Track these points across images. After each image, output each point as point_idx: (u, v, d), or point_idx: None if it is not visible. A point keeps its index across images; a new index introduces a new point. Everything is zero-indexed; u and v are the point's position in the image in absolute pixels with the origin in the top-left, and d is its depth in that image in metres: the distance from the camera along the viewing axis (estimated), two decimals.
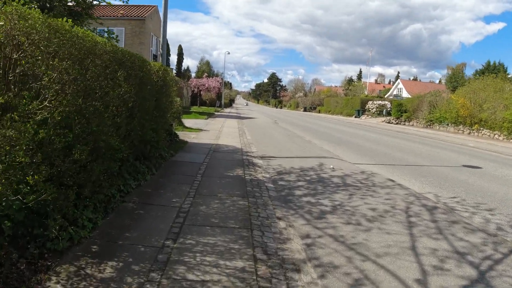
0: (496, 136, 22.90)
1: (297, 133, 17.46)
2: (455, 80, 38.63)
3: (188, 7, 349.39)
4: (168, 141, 8.83)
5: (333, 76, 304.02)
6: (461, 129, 26.69)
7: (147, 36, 26.88)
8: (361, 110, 42.80)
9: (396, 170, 8.71)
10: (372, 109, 41.61)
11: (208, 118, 25.97)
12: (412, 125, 33.15)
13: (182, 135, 12.95)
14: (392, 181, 7.27)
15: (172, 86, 9.29)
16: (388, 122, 35.38)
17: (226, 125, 19.97)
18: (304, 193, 5.83)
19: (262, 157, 9.22)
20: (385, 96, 53.91)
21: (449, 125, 28.17)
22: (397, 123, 34.76)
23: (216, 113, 36.87)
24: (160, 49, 8.97)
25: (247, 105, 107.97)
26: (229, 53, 65.09)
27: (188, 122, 18.56)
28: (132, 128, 5.07)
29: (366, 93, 55.80)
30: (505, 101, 22.75)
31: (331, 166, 8.22)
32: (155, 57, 29.09)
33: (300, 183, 6.52)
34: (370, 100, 43.70)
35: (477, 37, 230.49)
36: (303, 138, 15.36)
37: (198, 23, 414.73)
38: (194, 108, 39.37)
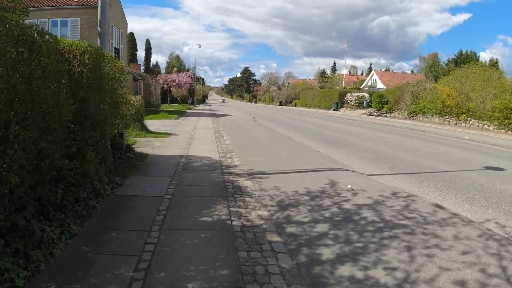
0: (485, 126, 21.81)
1: (283, 133, 15.11)
2: (435, 69, 37.79)
3: (157, 2, 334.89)
4: (115, 161, 6.08)
5: (305, 69, 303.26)
6: (447, 119, 25.54)
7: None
8: (340, 103, 41.23)
9: (425, 183, 6.67)
10: (351, 101, 40.10)
11: (178, 117, 23.08)
12: (394, 116, 31.86)
13: (144, 143, 10.25)
14: (441, 208, 5.10)
15: (120, 80, 6.63)
16: (369, 115, 33.91)
17: (199, 126, 17.29)
18: (336, 254, 3.46)
19: (250, 175, 6.77)
20: (361, 88, 52.81)
21: (434, 116, 27.00)
22: (378, 115, 33.37)
23: (188, 111, 33.83)
24: (99, 27, 6.26)
25: (223, 101, 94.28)
26: (200, 47, 61.40)
27: (154, 124, 15.74)
28: (10, 163, 2.49)
29: (343, 85, 54.54)
30: (494, 89, 21.59)
31: (349, 187, 5.92)
32: (117, 51, 25.45)
33: (320, 228, 4.14)
34: (349, 92, 42.24)
35: (443, 28, 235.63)
36: (291, 139, 13.03)
37: (167, 19, 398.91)
38: (164, 106, 36.09)
